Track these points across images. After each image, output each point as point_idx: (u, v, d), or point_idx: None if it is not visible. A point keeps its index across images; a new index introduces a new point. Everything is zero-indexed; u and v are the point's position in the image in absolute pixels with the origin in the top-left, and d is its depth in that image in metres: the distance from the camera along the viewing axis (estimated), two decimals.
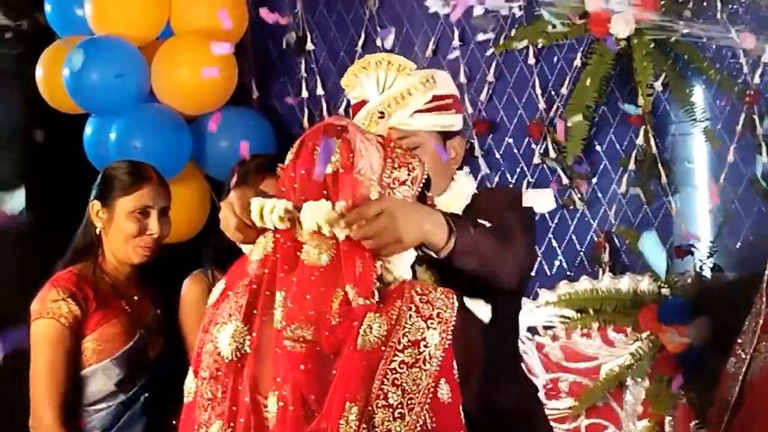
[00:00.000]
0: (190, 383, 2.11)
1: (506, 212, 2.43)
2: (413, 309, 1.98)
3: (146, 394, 3.14)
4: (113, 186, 3.16)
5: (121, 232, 3.14)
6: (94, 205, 3.17)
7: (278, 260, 2.05)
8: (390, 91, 2.46)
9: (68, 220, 3.30)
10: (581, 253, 4.16)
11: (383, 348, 1.95)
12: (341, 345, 1.96)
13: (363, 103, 2.50)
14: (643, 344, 3.80)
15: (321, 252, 2.01)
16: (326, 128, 2.10)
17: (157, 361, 3.18)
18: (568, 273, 4.12)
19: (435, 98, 2.49)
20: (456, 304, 2.02)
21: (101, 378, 3.09)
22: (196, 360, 2.11)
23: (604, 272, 4.03)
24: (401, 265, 2.05)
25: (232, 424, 2.02)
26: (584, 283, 3.94)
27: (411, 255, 2.07)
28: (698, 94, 3.94)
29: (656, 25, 3.80)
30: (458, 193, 2.56)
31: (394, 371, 1.95)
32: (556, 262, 4.16)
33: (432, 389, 1.95)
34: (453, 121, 2.55)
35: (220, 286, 2.15)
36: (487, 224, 2.33)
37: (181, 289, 3.32)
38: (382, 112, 2.46)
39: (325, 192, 2.04)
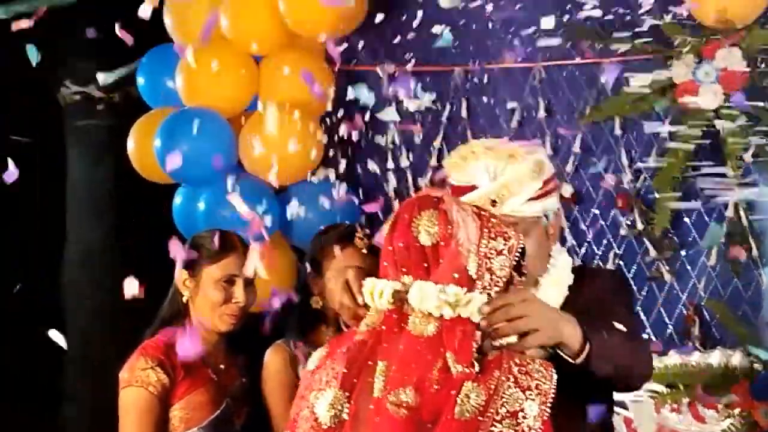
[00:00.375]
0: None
1: (616, 305, 2.47)
2: (512, 379, 1.99)
3: None
4: (200, 255, 3.18)
5: (207, 300, 3.15)
6: (182, 274, 3.19)
7: (383, 331, 2.08)
8: (502, 179, 2.45)
9: (159, 289, 3.33)
10: (670, 327, 4.09)
11: (480, 418, 1.95)
12: (439, 412, 1.96)
13: (470, 188, 2.48)
14: (735, 421, 3.71)
15: (427, 323, 2.04)
16: (421, 200, 2.14)
17: (242, 430, 3.17)
18: (658, 347, 4.02)
19: (543, 183, 2.50)
20: (555, 377, 2.02)
21: None
22: (292, 425, 2.13)
23: (694, 346, 3.95)
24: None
25: None
26: (674, 358, 3.87)
27: None
28: None
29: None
30: (560, 271, 2.56)
31: None
32: (645, 336, 4.08)
33: None
34: (556, 203, 2.56)
35: (320, 352, 2.18)
36: (620, 327, 2.33)
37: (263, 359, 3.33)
38: (494, 200, 2.46)
39: (425, 264, 2.07)
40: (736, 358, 3.78)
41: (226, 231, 3.26)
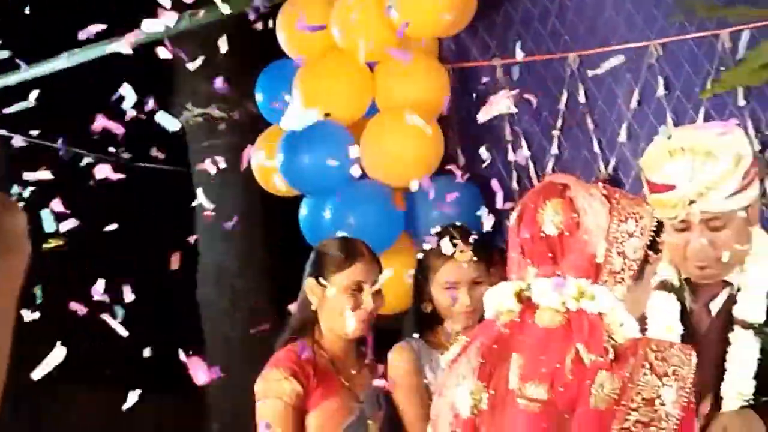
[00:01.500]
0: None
1: None
2: (647, 366, 1.96)
3: None
4: (327, 263, 3.19)
5: (336, 307, 3.16)
6: (309, 282, 3.20)
7: (516, 324, 2.08)
8: (703, 178, 2.47)
9: (289, 299, 3.35)
10: None
11: (616, 407, 1.93)
12: (575, 403, 1.96)
13: (668, 187, 2.51)
14: None
15: (554, 315, 2.03)
16: (546, 188, 2.13)
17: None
18: None
19: (744, 176, 2.50)
20: (695, 361, 1.99)
21: None
22: (434, 423, 2.13)
23: None
24: (629, 320, 2.03)
25: None
26: None
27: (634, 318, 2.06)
28: None
29: None
30: (762, 249, 2.58)
31: (628, 430, 1.93)
32: None
33: None
34: (758, 190, 2.56)
35: (456, 346, 2.17)
36: None
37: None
38: (692, 201, 2.49)
39: (550, 255, 2.06)
40: None
41: (352, 238, 3.28)
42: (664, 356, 1.97)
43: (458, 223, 3.43)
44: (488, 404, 2.04)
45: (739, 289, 2.59)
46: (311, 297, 3.20)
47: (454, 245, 3.26)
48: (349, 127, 4.54)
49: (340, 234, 3.28)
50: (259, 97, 4.90)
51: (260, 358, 3.26)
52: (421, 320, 3.33)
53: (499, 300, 2.12)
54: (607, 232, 2.06)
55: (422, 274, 3.33)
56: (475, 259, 3.24)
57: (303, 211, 4.62)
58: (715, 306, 2.61)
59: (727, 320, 2.58)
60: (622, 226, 2.08)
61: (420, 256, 3.36)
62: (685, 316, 2.61)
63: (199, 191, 5.78)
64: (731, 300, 2.59)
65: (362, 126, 4.53)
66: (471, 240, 3.26)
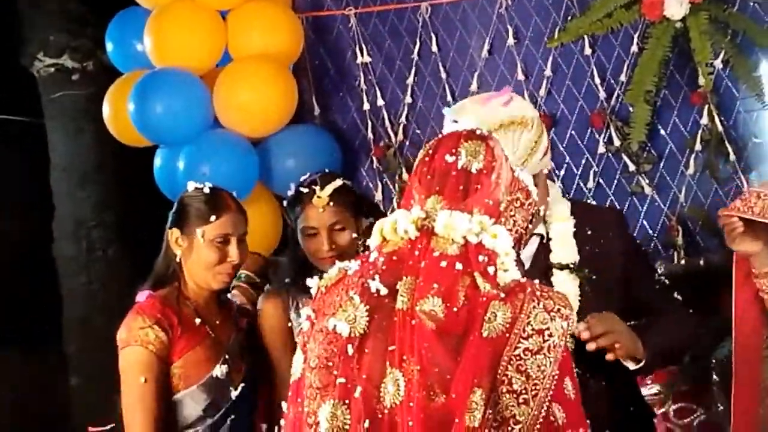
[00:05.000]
0: (298, 362, 2.13)
1: (645, 278, 2.81)
2: (536, 301, 2.01)
3: (232, 416, 3.04)
4: (192, 214, 3.07)
5: (201, 259, 3.05)
6: (173, 233, 3.09)
7: (405, 251, 2.07)
8: (522, 146, 2.59)
9: (150, 251, 3.23)
10: (654, 239, 4.01)
11: (508, 335, 1.98)
12: (467, 327, 1.98)
13: None
14: (725, 323, 3.64)
15: (451, 243, 2.04)
16: (468, 132, 2.16)
17: (241, 382, 3.08)
18: None
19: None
20: (572, 304, 2.07)
21: (189, 403, 3.00)
22: (302, 347, 2.12)
23: (679, 255, 3.88)
24: (513, 267, 2.08)
25: (347, 401, 2.02)
26: (661, 268, 3.80)
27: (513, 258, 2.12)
28: (761, 68, 3.77)
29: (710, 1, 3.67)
30: (558, 206, 2.74)
31: (518, 357, 1.97)
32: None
33: (556, 378, 1.98)
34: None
35: (329, 277, 2.15)
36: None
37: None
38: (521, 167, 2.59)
39: (461, 187, 2.08)
40: (721, 263, 3.71)
41: (218, 189, 3.15)
42: (549, 296, 2.04)
43: (327, 170, 3.36)
44: (372, 326, 2.03)
45: (549, 239, 2.71)
46: (175, 248, 3.08)
47: (312, 191, 3.19)
48: (202, 76, 4.40)
49: (201, 184, 3.12)
50: (109, 46, 4.71)
51: (119, 311, 3.14)
52: (296, 266, 3.25)
53: (396, 226, 2.09)
54: (508, 191, 2.13)
55: (291, 221, 3.27)
56: (331, 204, 3.18)
57: (157, 161, 4.48)
58: (527, 254, 2.70)
59: (543, 267, 2.69)
60: (518, 194, 2.15)
61: (285, 204, 3.28)
62: None
63: (53, 142, 5.59)
64: (544, 249, 2.71)
65: (215, 75, 4.40)
66: (329, 186, 3.19)
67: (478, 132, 2.16)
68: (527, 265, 2.67)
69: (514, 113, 2.61)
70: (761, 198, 2.85)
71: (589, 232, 2.73)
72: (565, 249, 2.72)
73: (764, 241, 2.87)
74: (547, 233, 2.72)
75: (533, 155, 2.60)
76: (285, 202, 3.30)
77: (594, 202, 4.02)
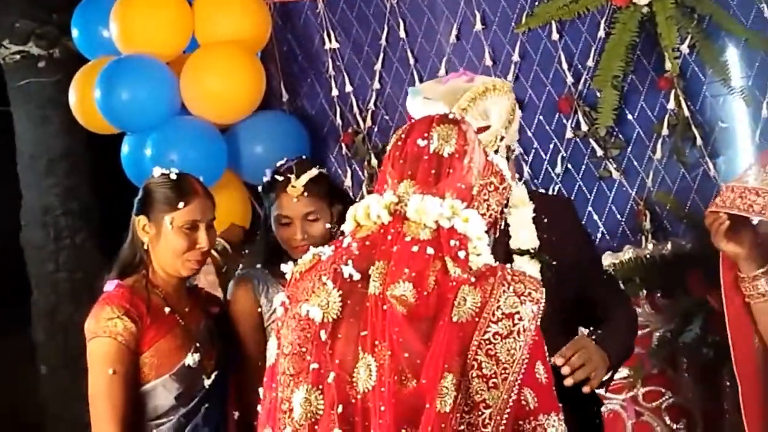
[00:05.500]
0: (272, 348, 2.13)
1: (594, 267, 2.89)
2: (506, 285, 2.01)
3: (206, 405, 3.02)
4: (159, 201, 3.02)
5: (170, 247, 3.00)
6: (140, 220, 3.04)
7: (378, 236, 2.08)
8: (505, 109, 2.63)
9: (118, 238, 3.19)
10: (622, 223, 4.01)
11: (477, 320, 1.98)
12: (437, 312, 1.98)
13: (484, 127, 2.61)
14: (692, 307, 3.66)
15: (423, 228, 2.05)
16: (441, 116, 2.15)
17: (213, 369, 3.06)
18: (612, 244, 3.97)
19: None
20: (543, 289, 2.06)
21: (161, 393, 2.96)
22: (277, 332, 2.11)
23: (647, 240, 3.89)
24: (486, 251, 2.08)
25: (320, 386, 2.02)
26: (628, 253, 3.82)
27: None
28: (727, 53, 3.78)
29: None
30: (516, 190, 2.73)
31: (488, 342, 1.97)
32: (599, 235, 4.00)
33: (526, 362, 1.97)
34: None
35: (302, 264, 2.14)
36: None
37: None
38: (503, 137, 2.63)
39: (433, 171, 2.08)
40: (689, 247, 3.73)
41: (184, 175, 3.10)
42: (520, 279, 2.03)
43: (303, 157, 3.32)
44: (345, 312, 2.03)
45: (508, 225, 2.72)
46: (142, 235, 3.04)
47: (287, 179, 3.16)
48: (168, 63, 4.37)
49: (167, 170, 3.08)
50: (75, 32, 4.67)
51: (87, 298, 3.10)
52: (267, 251, 3.23)
53: (369, 211, 2.09)
54: (481, 174, 2.12)
55: (265, 207, 3.24)
56: (306, 194, 3.15)
57: (124, 148, 4.44)
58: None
59: (503, 253, 2.67)
60: (492, 178, 2.14)
61: (260, 189, 3.25)
62: None
63: (19, 130, 5.54)
64: (503, 235, 2.69)
65: (182, 62, 4.37)
66: (304, 176, 3.16)
67: (450, 116, 2.16)
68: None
69: (486, 80, 2.65)
70: (735, 192, 2.81)
71: (545, 219, 2.75)
72: (525, 234, 2.73)
73: (749, 244, 2.82)
74: (505, 219, 2.70)
75: (514, 121, 2.64)
76: (260, 188, 3.26)
77: (562, 188, 4.02)
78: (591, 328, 2.75)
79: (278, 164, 3.25)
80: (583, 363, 2.58)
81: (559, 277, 2.68)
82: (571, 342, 2.62)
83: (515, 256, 2.71)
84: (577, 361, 2.57)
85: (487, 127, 2.61)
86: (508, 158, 2.68)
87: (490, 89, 2.64)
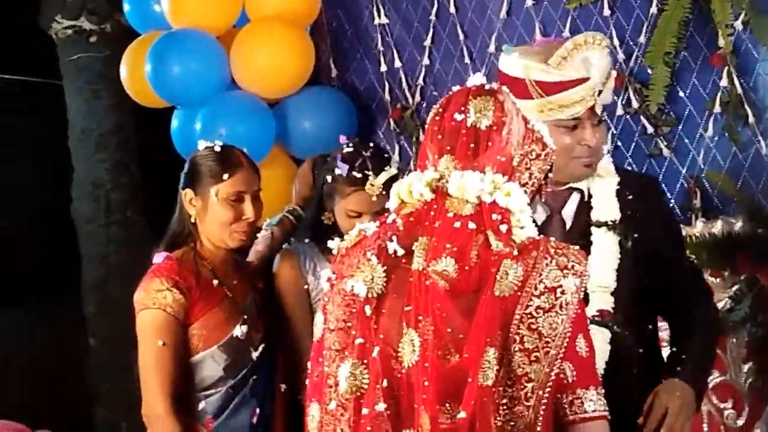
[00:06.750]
0: (319, 323, 2.13)
1: (675, 259, 2.68)
2: (549, 259, 2.00)
3: (254, 377, 3.04)
4: (204, 174, 3.04)
5: (216, 218, 3.02)
6: (187, 194, 3.06)
7: (421, 212, 2.07)
8: (603, 68, 2.54)
9: (168, 212, 3.22)
10: (672, 201, 3.99)
11: (519, 293, 1.97)
12: (479, 286, 1.97)
13: (582, 79, 2.53)
14: (742, 286, 3.63)
15: (465, 204, 2.03)
16: (477, 87, 2.11)
17: (261, 342, 3.08)
18: None
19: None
20: (587, 262, 2.04)
21: (210, 364, 2.99)
22: (323, 308, 2.12)
23: (697, 218, 3.86)
24: (530, 224, 2.07)
25: (365, 361, 2.02)
26: None
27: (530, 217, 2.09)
28: None
29: None
30: (603, 161, 2.68)
31: (530, 316, 1.96)
32: None
33: (568, 336, 1.96)
34: None
35: (348, 240, 2.14)
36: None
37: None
38: (600, 90, 2.55)
39: (472, 145, 2.06)
40: (739, 226, 3.69)
41: (229, 147, 3.12)
42: (564, 253, 2.01)
43: (371, 144, 3.24)
44: (389, 287, 2.03)
45: (590, 196, 2.65)
46: (189, 208, 3.07)
47: (366, 176, 3.10)
48: (219, 37, 4.39)
49: (212, 143, 3.09)
50: (126, 7, 4.70)
51: (136, 272, 3.13)
52: (317, 227, 3.20)
53: (411, 188, 2.08)
54: (522, 144, 2.09)
55: (328, 190, 3.15)
56: (384, 192, 3.10)
57: (174, 122, 4.47)
58: (568, 212, 2.66)
59: (584, 224, 2.63)
60: (533, 146, 2.10)
61: (329, 178, 3.13)
62: (545, 226, 2.62)
63: (71, 104, 5.59)
64: (586, 206, 2.64)
65: (233, 36, 4.38)
66: (384, 174, 3.11)
67: (487, 87, 2.12)
68: (569, 224, 2.64)
69: (585, 34, 2.58)
70: None
71: (629, 196, 2.65)
72: (606, 205, 2.64)
73: None
74: (589, 189, 2.66)
75: (610, 79, 2.58)
76: (330, 177, 3.15)
77: None
78: (674, 350, 2.65)
79: (345, 151, 3.14)
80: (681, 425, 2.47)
81: (637, 255, 2.60)
82: (656, 401, 2.49)
83: (593, 228, 2.62)
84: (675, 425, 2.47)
85: (587, 79, 2.53)
86: (600, 121, 2.59)
87: (590, 41, 2.55)
